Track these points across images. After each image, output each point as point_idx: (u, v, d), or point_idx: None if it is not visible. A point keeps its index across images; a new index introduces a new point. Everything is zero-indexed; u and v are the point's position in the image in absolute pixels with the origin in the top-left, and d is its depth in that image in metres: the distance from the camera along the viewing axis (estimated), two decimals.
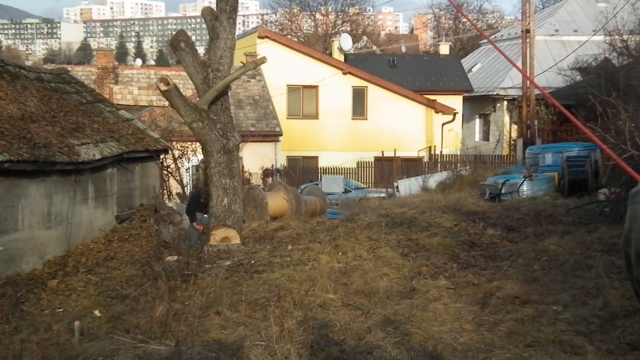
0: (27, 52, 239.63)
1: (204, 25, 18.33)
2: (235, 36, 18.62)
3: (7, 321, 12.80)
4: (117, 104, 27.90)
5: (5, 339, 11.22)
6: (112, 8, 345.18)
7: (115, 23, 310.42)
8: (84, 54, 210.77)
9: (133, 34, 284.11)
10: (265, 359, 8.55)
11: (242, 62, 31.87)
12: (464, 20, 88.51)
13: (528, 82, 36.78)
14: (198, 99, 17.87)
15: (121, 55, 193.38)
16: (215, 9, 17.98)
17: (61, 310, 13.63)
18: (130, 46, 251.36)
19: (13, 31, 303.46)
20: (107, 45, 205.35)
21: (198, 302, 11.98)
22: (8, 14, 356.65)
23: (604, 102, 19.63)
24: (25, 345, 10.60)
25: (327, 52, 57.18)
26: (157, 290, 13.11)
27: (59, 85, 22.21)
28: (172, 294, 12.69)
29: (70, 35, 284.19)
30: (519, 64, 38.21)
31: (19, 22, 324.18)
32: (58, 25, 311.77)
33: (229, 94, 18.82)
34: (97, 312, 12.81)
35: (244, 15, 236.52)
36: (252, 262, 14.71)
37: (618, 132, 16.03)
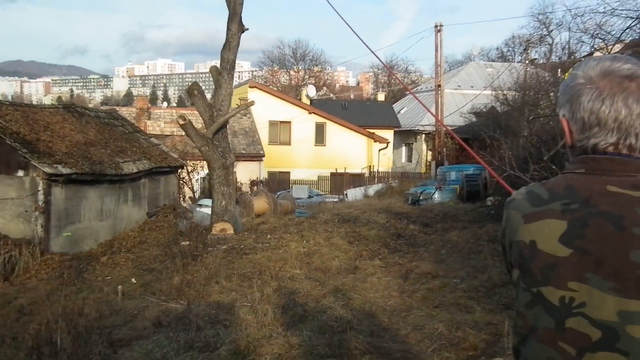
0: (90, 98, 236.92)
1: (211, 78, 18.29)
2: (233, 86, 18.60)
3: (73, 284, 12.94)
4: (149, 134, 27.64)
5: (72, 296, 11.21)
6: (147, 67, 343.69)
7: (149, 77, 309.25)
8: (128, 99, 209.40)
9: (162, 84, 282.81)
10: (250, 315, 8.50)
11: (237, 104, 31.81)
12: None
13: (439, 122, 37.00)
14: (206, 130, 17.83)
15: (153, 99, 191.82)
16: (219, 67, 18.01)
17: (109, 277, 13.59)
18: (159, 93, 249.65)
19: (81, 84, 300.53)
20: (143, 92, 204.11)
21: (203, 274, 11.94)
22: (78, 72, 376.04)
23: (491, 137, 19.82)
24: (85, 302, 10.57)
25: (298, 97, 56.92)
26: (174, 266, 13.09)
27: (110, 120, 22.32)
28: (185, 268, 12.67)
29: (119, 86, 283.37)
30: (433, 109, 38.58)
31: (85, 78, 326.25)
32: (111, 79, 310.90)
33: (227, 126, 18.77)
34: (133, 280, 12.79)
35: (239, 72, 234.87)
36: (242, 246, 14.67)
37: (500, 158, 16.15)
